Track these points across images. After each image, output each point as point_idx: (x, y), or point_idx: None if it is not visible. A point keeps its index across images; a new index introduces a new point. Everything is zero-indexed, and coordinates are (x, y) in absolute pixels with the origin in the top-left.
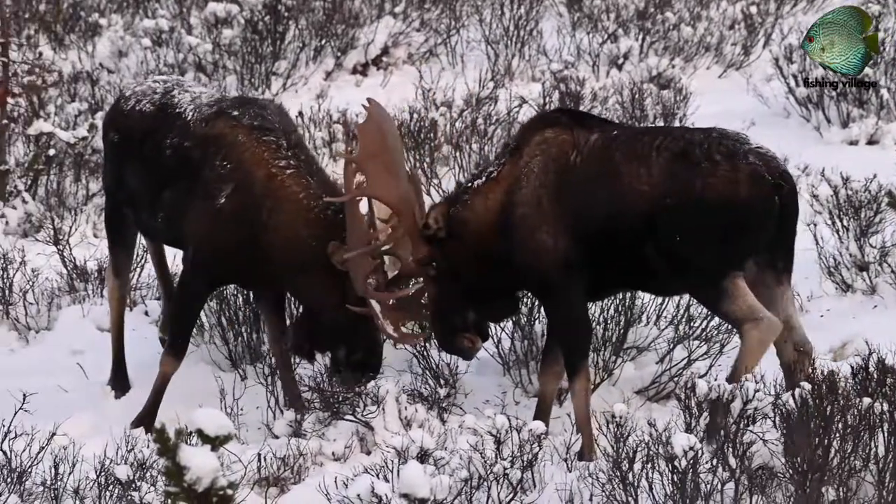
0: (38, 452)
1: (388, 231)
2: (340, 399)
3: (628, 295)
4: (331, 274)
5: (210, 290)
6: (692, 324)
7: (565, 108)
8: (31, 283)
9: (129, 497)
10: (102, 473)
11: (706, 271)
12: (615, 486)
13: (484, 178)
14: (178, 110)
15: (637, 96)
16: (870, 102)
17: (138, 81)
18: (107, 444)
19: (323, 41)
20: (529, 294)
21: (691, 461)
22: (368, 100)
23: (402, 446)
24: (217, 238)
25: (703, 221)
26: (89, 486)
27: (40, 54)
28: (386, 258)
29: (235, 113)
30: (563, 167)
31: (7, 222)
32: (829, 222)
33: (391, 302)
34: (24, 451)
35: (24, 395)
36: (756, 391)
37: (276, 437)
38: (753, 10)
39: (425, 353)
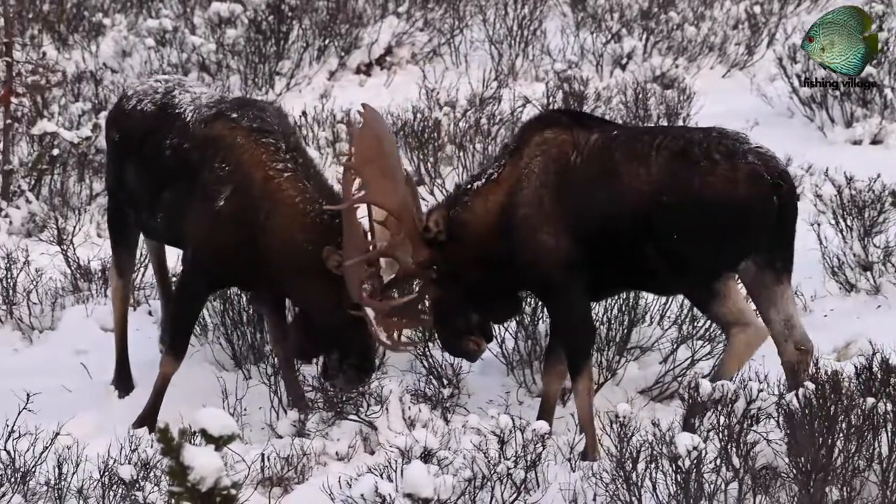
0: (42, 452)
1: (387, 236)
2: (344, 399)
3: (632, 295)
4: (326, 278)
5: (209, 290)
6: (696, 324)
7: (564, 109)
8: (34, 282)
9: (133, 497)
10: (106, 473)
11: (703, 270)
12: (619, 485)
13: (483, 180)
14: (177, 111)
15: (641, 96)
16: (873, 102)
17: (141, 81)
18: (110, 444)
19: (326, 41)
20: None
21: (695, 461)
22: (363, 105)
23: (406, 446)
24: (216, 239)
25: (701, 220)
26: (93, 486)
27: (44, 54)
28: (382, 261)
29: (234, 115)
30: (564, 167)
31: (11, 222)
32: (833, 222)
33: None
34: (27, 450)
35: (28, 394)
36: (760, 391)
37: (280, 437)
38: (757, 9)
39: (428, 353)
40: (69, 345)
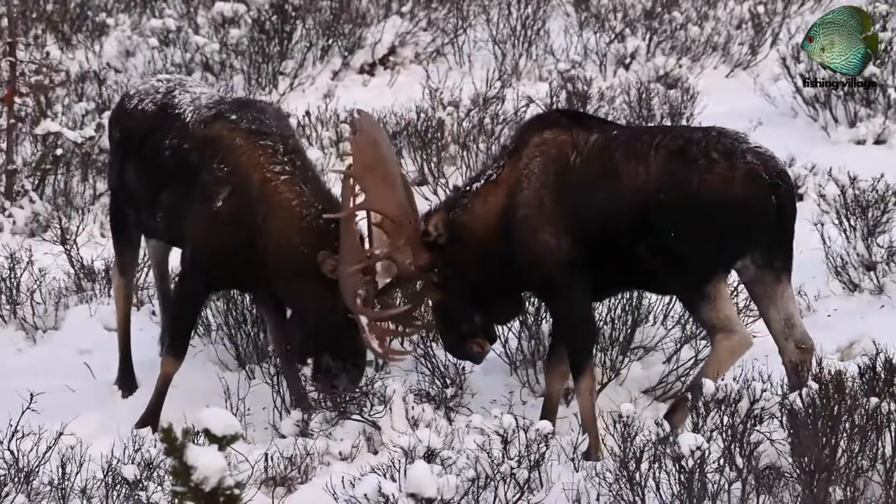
0: (46, 452)
1: (387, 242)
2: (347, 399)
3: (635, 294)
4: (321, 282)
5: (208, 290)
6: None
7: (563, 109)
8: (38, 282)
9: (137, 497)
10: (109, 473)
11: (701, 269)
12: (622, 485)
13: (483, 181)
14: (177, 111)
15: (644, 96)
16: (877, 102)
17: (143, 80)
18: (114, 444)
19: (330, 41)
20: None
21: (698, 461)
22: (358, 111)
23: (409, 446)
24: (214, 240)
25: (698, 218)
26: (96, 486)
27: (47, 54)
28: (378, 265)
29: (234, 116)
30: (563, 168)
31: (14, 222)
32: (837, 222)
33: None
34: (31, 450)
35: (32, 394)
36: (763, 391)
37: (283, 437)
38: (761, 9)
39: (431, 353)
40: (73, 345)
